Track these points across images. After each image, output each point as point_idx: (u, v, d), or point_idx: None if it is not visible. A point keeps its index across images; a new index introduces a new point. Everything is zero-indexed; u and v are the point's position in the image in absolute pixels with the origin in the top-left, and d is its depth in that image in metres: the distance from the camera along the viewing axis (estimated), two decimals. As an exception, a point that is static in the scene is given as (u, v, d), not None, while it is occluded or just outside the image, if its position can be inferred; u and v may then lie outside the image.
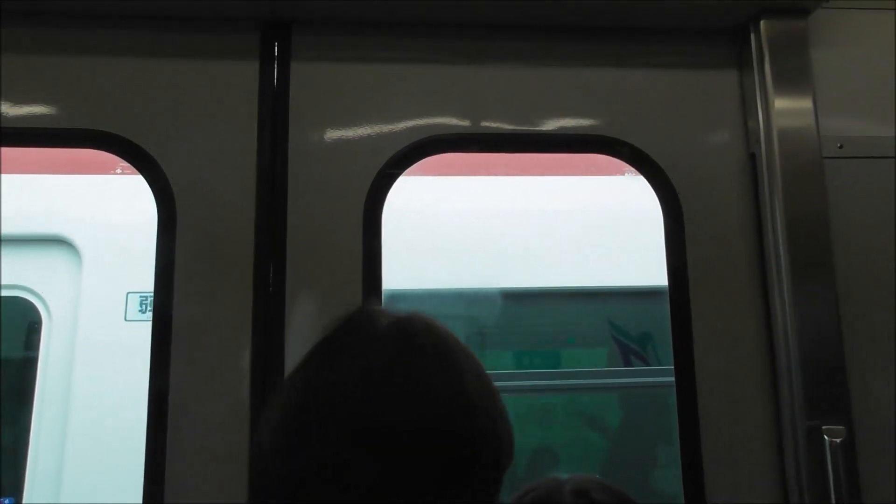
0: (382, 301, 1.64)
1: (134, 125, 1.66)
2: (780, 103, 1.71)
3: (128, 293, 2.43)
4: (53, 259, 2.47)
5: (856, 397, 1.61)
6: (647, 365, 2.75)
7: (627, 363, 2.78)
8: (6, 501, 2.35)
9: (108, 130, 1.65)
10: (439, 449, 0.92)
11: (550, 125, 1.80)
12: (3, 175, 2.28)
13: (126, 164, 1.65)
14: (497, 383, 1.02)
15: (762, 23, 1.75)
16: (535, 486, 1.18)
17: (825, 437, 1.54)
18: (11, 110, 1.65)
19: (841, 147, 1.75)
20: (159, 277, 1.60)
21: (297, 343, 1.59)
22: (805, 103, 1.72)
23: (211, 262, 1.61)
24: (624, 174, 2.51)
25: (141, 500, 1.51)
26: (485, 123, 1.78)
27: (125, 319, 2.43)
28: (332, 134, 1.71)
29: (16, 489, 2.34)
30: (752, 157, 1.76)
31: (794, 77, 1.74)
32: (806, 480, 1.57)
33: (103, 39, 1.69)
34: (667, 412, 2.55)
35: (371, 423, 0.91)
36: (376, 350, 0.97)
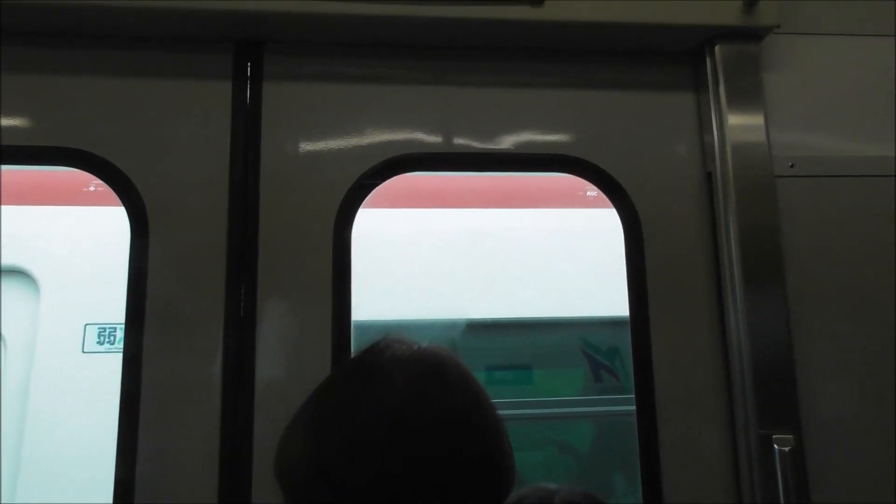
0: (351, 321, 1.68)
1: (108, 143, 1.69)
2: (735, 124, 1.79)
3: (86, 325, 2.44)
4: (11, 290, 2.47)
5: (805, 406, 1.69)
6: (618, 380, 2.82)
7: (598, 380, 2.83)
8: None
9: (82, 148, 1.68)
10: (474, 474, 0.96)
11: (517, 145, 1.86)
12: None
13: (99, 183, 1.68)
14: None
15: (717, 47, 1.83)
16: (525, 494, 1.22)
17: (775, 445, 1.61)
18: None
19: (792, 166, 1.83)
20: (131, 292, 1.63)
21: (268, 358, 1.63)
22: (758, 124, 1.80)
23: (183, 277, 1.65)
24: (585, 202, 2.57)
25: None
26: (454, 143, 1.84)
27: (83, 351, 2.43)
28: (304, 152, 1.75)
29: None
30: (709, 176, 1.84)
31: (748, 99, 1.82)
32: (758, 486, 1.64)
33: (79, 58, 1.73)
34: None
35: (410, 450, 0.93)
36: (407, 376, 1.00)
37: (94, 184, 1.98)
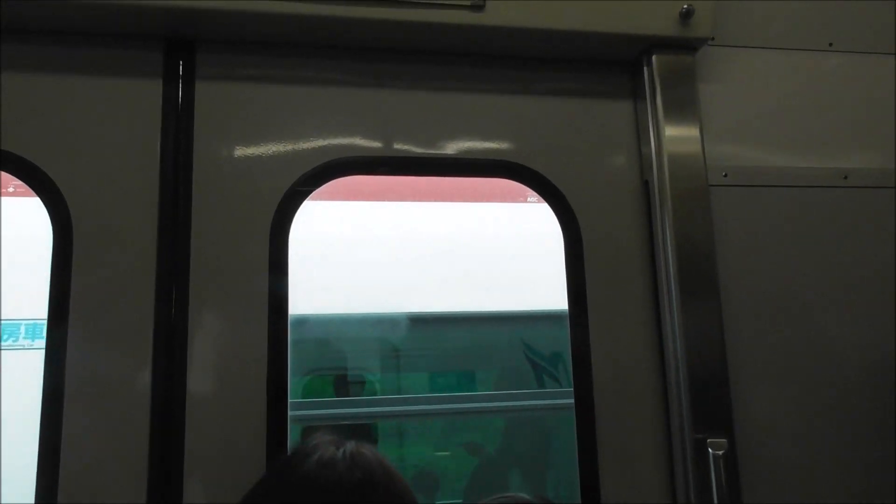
0: (289, 325, 1.64)
1: (29, 143, 1.61)
2: (670, 133, 1.82)
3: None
4: None
5: (738, 410, 1.72)
6: (561, 385, 2.84)
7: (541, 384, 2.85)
8: None
9: (3, 149, 1.59)
10: None
11: (457, 149, 1.85)
12: None
13: (19, 184, 1.59)
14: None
15: (654, 57, 1.86)
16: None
17: (709, 449, 1.64)
18: None
19: (726, 175, 1.88)
20: (53, 300, 1.55)
21: (200, 368, 1.58)
22: (693, 134, 1.84)
23: (111, 283, 1.58)
24: (527, 200, 2.59)
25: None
26: (393, 146, 1.82)
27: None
28: (238, 154, 1.70)
29: None
30: (646, 184, 1.86)
31: (683, 109, 1.85)
32: (693, 489, 1.66)
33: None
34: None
35: None
36: (334, 479, 1.05)
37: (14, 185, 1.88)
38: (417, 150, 1.83)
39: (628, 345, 1.80)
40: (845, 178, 1.95)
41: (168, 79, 1.70)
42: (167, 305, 1.59)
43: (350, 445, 1.12)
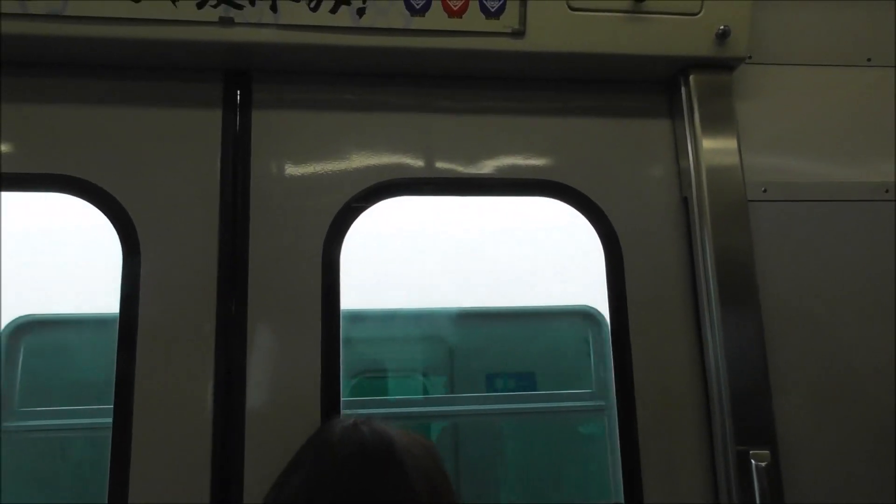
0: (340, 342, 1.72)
1: (100, 170, 1.73)
2: (709, 151, 1.86)
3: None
4: None
5: (780, 422, 1.74)
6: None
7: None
8: None
9: (75, 175, 1.72)
10: None
11: (500, 170, 1.92)
12: None
13: None
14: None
15: (691, 76, 1.90)
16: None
17: (752, 460, 1.66)
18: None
19: (765, 191, 1.90)
20: (124, 314, 1.66)
21: (258, 382, 1.66)
22: (731, 150, 1.87)
23: (174, 297, 1.68)
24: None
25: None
26: (438, 168, 1.89)
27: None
28: (292, 177, 1.80)
29: None
30: (685, 201, 1.90)
31: (721, 126, 1.89)
32: (736, 501, 1.68)
33: (72, 87, 1.77)
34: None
35: None
36: (327, 460, 1.14)
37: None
38: (462, 170, 1.90)
39: (670, 357, 1.84)
40: (886, 191, 1.96)
41: (227, 107, 1.81)
42: (227, 322, 1.68)
43: (364, 418, 1.22)
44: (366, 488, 1.11)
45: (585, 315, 2.68)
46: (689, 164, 1.89)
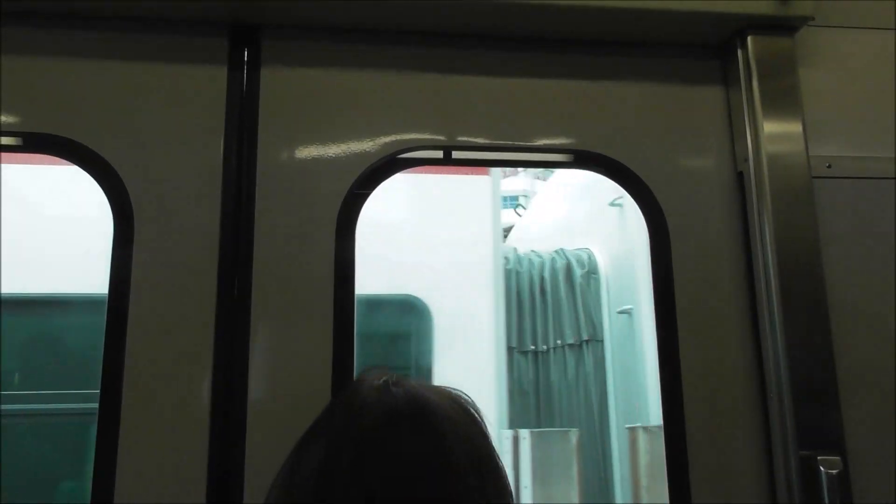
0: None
1: (90, 131, 1.55)
2: (769, 121, 1.67)
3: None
4: None
5: (849, 426, 1.54)
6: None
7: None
8: None
9: (63, 135, 1.54)
10: None
11: (531, 139, 1.73)
12: None
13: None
14: None
15: (749, 39, 1.71)
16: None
17: (820, 467, 1.47)
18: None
19: (829, 167, 1.71)
20: (114, 292, 1.48)
21: (261, 370, 1.49)
22: (794, 122, 1.68)
23: (171, 277, 1.50)
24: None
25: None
26: (461, 137, 1.71)
27: None
28: (303, 144, 1.62)
29: None
30: (740, 176, 1.71)
31: (783, 95, 1.69)
32: (799, 512, 1.49)
33: (59, 39, 1.59)
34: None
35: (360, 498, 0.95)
36: (353, 425, 1.02)
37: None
38: (491, 140, 1.72)
39: (722, 350, 1.65)
40: (964, 168, 1.76)
41: (233, 66, 1.63)
42: (229, 301, 1.50)
43: (397, 376, 1.11)
44: (397, 457, 0.99)
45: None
46: (745, 136, 1.69)
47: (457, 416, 1.07)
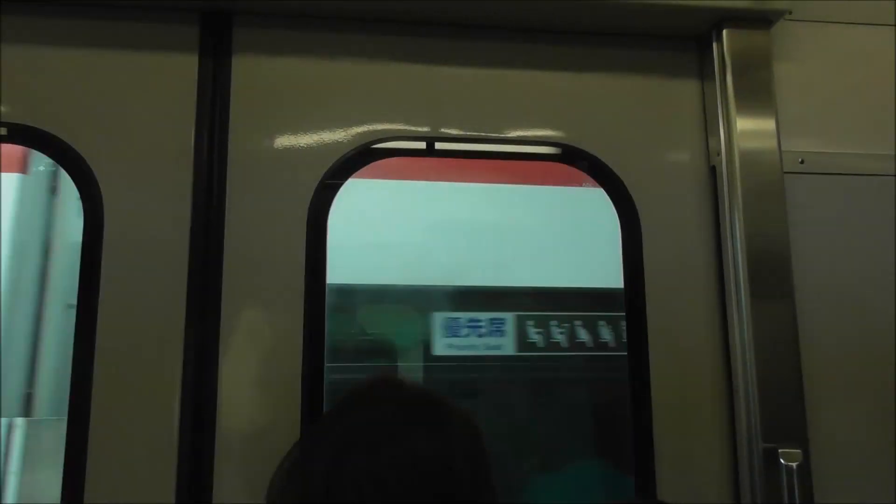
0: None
1: (59, 119, 1.53)
2: (742, 116, 1.67)
3: None
4: None
5: (812, 419, 1.57)
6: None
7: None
8: None
9: (30, 125, 1.52)
10: None
11: (507, 132, 1.73)
12: None
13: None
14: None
15: (725, 32, 1.70)
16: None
17: (781, 459, 1.50)
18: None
19: (802, 162, 1.71)
20: (84, 282, 1.48)
21: (232, 355, 1.49)
22: (767, 117, 1.68)
23: (141, 266, 1.50)
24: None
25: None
26: (439, 129, 1.70)
27: None
28: (276, 134, 1.61)
29: None
30: (713, 170, 1.72)
31: (757, 90, 1.69)
32: (761, 502, 1.52)
33: (26, 26, 1.56)
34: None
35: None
36: (374, 417, 1.06)
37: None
38: (465, 132, 1.71)
39: (690, 343, 1.66)
40: (935, 166, 1.77)
41: (204, 53, 1.61)
42: (200, 294, 1.50)
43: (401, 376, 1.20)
44: (412, 452, 1.03)
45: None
46: (718, 131, 1.69)
47: (464, 414, 1.13)
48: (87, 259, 1.49)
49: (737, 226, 1.63)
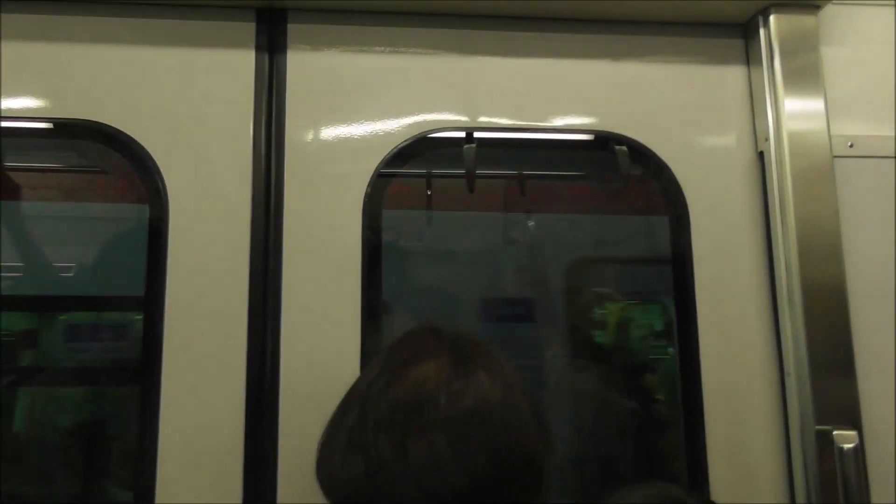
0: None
1: (123, 116, 1.59)
2: (791, 100, 1.67)
3: None
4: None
5: (865, 401, 1.58)
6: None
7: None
8: None
9: (97, 121, 1.58)
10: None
11: (552, 121, 1.75)
12: None
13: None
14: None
15: (772, 17, 1.71)
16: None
17: (835, 442, 1.50)
18: (-5, 99, 1.58)
19: (852, 146, 1.71)
20: (150, 276, 1.54)
21: (294, 346, 1.53)
22: (816, 101, 1.68)
23: (205, 258, 1.55)
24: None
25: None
26: (488, 119, 1.73)
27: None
28: (331, 125, 1.65)
29: None
30: (761, 156, 1.72)
31: (805, 73, 1.70)
32: (814, 485, 1.53)
33: (90, 26, 1.62)
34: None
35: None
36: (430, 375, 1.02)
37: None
38: (513, 121, 1.74)
39: (740, 329, 1.67)
40: None
41: (260, 48, 1.65)
42: (262, 281, 1.55)
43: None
44: (480, 397, 1.02)
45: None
46: (766, 116, 1.70)
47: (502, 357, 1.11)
48: (153, 250, 1.54)
49: (786, 210, 1.64)
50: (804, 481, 1.55)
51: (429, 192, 2.12)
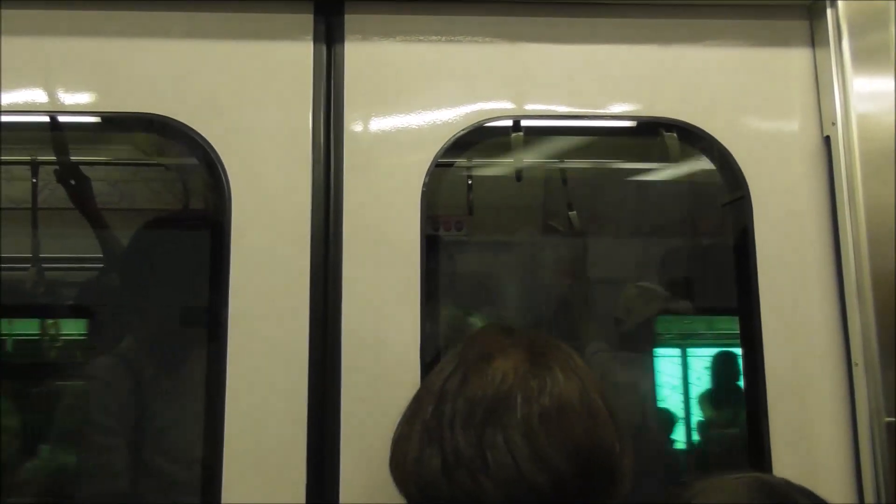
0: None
1: (183, 109, 1.62)
2: (860, 82, 1.62)
3: None
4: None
5: (936, 393, 1.53)
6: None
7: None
8: None
9: (159, 114, 1.61)
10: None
11: (609, 107, 1.73)
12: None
13: None
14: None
15: (839, -4, 1.65)
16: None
17: (910, 435, 1.47)
18: (58, 95, 1.61)
19: (923, 131, 1.65)
20: (215, 262, 1.57)
21: (355, 334, 1.55)
22: (886, 83, 1.63)
23: (265, 249, 1.57)
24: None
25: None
26: (539, 107, 1.72)
27: None
28: (389, 115, 1.65)
29: None
30: (827, 140, 1.67)
31: (874, 53, 1.64)
32: (884, 479, 1.50)
33: (151, 20, 1.64)
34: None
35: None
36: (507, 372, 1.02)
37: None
38: (569, 108, 1.72)
39: (805, 318, 1.63)
40: None
41: (318, 39, 1.66)
42: (322, 271, 1.57)
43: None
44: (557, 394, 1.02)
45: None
46: (833, 99, 1.65)
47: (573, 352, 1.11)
48: (217, 238, 1.57)
49: (855, 198, 1.59)
50: (873, 475, 1.52)
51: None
